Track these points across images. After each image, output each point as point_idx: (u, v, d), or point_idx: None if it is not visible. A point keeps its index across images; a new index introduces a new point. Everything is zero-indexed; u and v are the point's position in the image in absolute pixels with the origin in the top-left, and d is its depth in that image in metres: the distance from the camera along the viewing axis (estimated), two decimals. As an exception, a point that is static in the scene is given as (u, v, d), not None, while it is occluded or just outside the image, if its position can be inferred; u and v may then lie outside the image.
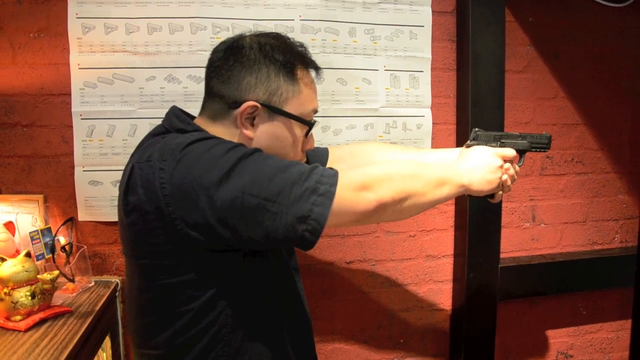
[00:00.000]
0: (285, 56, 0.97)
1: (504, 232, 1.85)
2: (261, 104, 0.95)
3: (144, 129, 1.56)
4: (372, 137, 1.72)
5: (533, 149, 1.21)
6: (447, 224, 1.85)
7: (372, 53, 1.69)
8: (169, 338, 0.94)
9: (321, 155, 1.29)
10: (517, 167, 1.16)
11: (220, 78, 0.97)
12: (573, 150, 1.93)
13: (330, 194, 0.84)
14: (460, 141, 1.78)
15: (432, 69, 1.75)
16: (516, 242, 1.93)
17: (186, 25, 1.55)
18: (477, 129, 1.19)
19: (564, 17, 1.86)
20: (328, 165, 1.27)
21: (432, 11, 1.72)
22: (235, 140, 0.97)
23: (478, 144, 1.17)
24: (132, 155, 0.98)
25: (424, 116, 1.76)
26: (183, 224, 0.85)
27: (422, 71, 1.74)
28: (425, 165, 1.03)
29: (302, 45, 1.03)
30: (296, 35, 1.60)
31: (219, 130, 0.97)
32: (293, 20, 1.61)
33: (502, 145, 1.17)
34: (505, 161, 1.11)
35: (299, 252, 1.74)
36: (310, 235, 0.85)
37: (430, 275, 1.87)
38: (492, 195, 1.13)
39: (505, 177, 1.10)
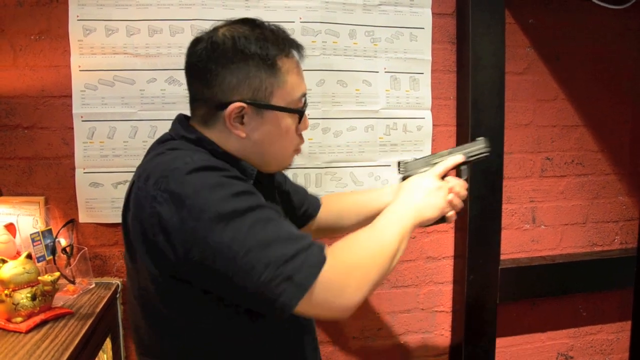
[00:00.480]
0: (263, 48, 0.92)
1: (504, 234, 1.86)
2: (247, 102, 0.92)
3: (145, 130, 1.56)
4: (372, 138, 1.72)
5: (471, 158, 1.13)
6: (447, 226, 1.85)
7: (373, 55, 1.69)
8: (171, 345, 0.93)
9: (316, 203, 1.34)
10: (461, 182, 1.11)
11: (201, 81, 0.94)
12: (573, 152, 1.94)
13: (304, 286, 0.80)
14: (460, 143, 1.78)
15: (432, 71, 1.75)
16: (516, 244, 1.94)
17: (187, 28, 1.55)
18: (402, 161, 1.15)
19: (564, 19, 1.86)
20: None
21: (432, 13, 1.72)
22: (231, 141, 0.95)
23: (410, 175, 1.12)
24: (140, 164, 0.97)
25: (424, 118, 1.76)
26: (164, 255, 0.83)
27: (422, 73, 1.74)
28: (383, 226, 0.97)
29: (278, 28, 0.98)
30: (296, 37, 1.59)
31: (213, 133, 0.95)
32: (293, 22, 1.61)
33: (435, 166, 1.12)
34: (443, 178, 1.09)
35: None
36: (273, 316, 0.83)
37: (431, 277, 1.87)
38: (443, 219, 1.08)
39: (450, 196, 1.07)
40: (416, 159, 1.15)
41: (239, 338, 0.93)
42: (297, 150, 1.05)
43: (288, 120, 0.98)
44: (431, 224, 1.06)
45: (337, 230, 1.35)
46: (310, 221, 1.33)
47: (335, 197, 1.41)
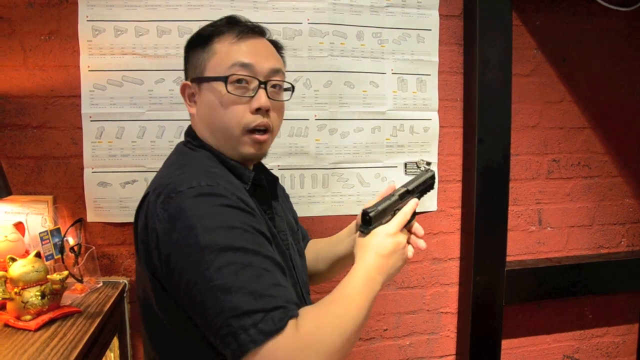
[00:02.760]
0: (205, 31, 1.02)
1: (510, 236, 1.85)
2: (189, 81, 1.02)
3: (153, 130, 1.57)
4: (379, 139, 1.72)
5: (423, 194, 1.08)
6: (453, 227, 1.85)
7: (380, 56, 1.70)
8: (173, 345, 0.93)
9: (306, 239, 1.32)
10: (417, 225, 1.04)
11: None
12: (580, 154, 1.93)
13: (245, 348, 0.74)
14: (466, 144, 1.78)
15: (440, 73, 1.75)
16: (522, 246, 1.93)
17: (195, 28, 1.50)
18: (366, 210, 0.97)
19: (570, 21, 1.86)
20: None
21: (440, 15, 1.72)
22: (195, 123, 1.03)
23: (374, 227, 0.97)
24: (159, 170, 1.00)
25: (431, 119, 1.76)
26: (155, 266, 0.86)
27: (429, 74, 1.74)
28: (349, 298, 0.88)
29: (237, 17, 1.05)
30: (304, 38, 1.62)
31: (194, 121, 1.04)
32: (301, 23, 1.62)
33: (397, 211, 1.00)
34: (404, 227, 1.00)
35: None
36: None
37: (437, 278, 1.87)
38: None
39: (408, 248, 1.00)
40: (378, 209, 0.98)
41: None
42: (249, 130, 0.97)
43: (218, 89, 0.96)
44: None
45: (313, 275, 1.29)
46: None
47: (311, 243, 1.35)
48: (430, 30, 1.73)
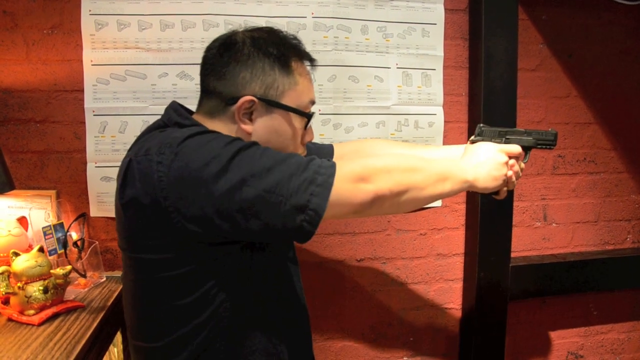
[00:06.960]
0: (279, 49, 0.97)
1: (515, 231, 1.84)
2: (258, 98, 0.95)
3: (156, 125, 1.57)
4: (383, 134, 1.71)
5: (538, 146, 1.19)
6: (458, 223, 1.84)
7: (384, 51, 1.68)
8: (165, 331, 0.95)
9: (326, 151, 1.29)
10: (522, 164, 1.16)
11: (215, 75, 0.97)
12: (585, 150, 1.92)
13: (328, 185, 0.84)
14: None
15: (445, 67, 1.74)
16: (527, 242, 1.92)
17: (199, 22, 1.55)
18: (481, 125, 1.18)
19: (577, 15, 1.84)
20: None
21: (445, 9, 1.71)
22: (234, 135, 0.97)
23: (482, 140, 1.16)
24: (130, 149, 0.98)
25: (435, 114, 1.75)
26: (181, 217, 0.84)
27: (434, 69, 1.73)
28: (429, 160, 1.02)
29: (295, 37, 1.02)
30: (308, 33, 1.61)
31: (217, 126, 0.97)
32: (305, 17, 1.61)
33: (507, 141, 1.16)
34: (510, 157, 1.11)
35: (309, 248, 1.74)
36: (308, 225, 0.84)
37: (441, 274, 1.86)
38: (496, 192, 1.13)
39: (510, 173, 1.10)
40: (492, 128, 1.18)
41: (240, 317, 0.96)
42: None
43: (296, 123, 1.00)
44: (481, 193, 1.14)
45: None
46: None
47: (385, 146, 1.35)
48: (435, 24, 1.71)
